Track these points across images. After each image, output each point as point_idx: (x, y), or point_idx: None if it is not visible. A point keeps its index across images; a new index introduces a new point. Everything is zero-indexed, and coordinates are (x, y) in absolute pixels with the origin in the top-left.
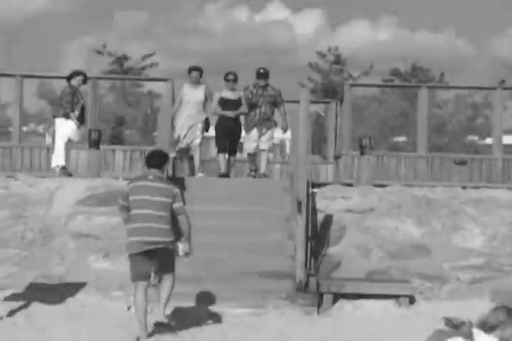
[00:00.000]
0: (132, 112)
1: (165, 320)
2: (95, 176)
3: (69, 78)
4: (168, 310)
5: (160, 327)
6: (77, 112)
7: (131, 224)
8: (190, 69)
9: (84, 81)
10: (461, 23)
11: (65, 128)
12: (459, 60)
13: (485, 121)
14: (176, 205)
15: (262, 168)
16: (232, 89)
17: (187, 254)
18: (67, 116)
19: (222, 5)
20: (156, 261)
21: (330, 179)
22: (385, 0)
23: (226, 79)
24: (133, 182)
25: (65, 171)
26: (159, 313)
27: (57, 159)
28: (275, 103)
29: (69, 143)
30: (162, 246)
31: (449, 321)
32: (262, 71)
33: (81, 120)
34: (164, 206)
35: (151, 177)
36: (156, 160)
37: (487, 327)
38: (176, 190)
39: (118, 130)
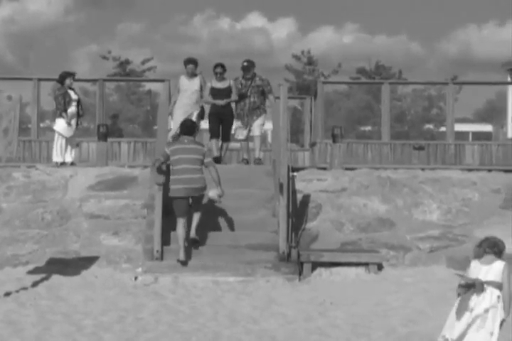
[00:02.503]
0: (134, 109)
1: (196, 237)
2: (104, 165)
3: (61, 80)
4: (170, 278)
5: (194, 242)
6: (70, 109)
7: (174, 176)
8: (186, 62)
9: (73, 79)
10: (412, 29)
11: (59, 126)
12: (411, 60)
13: (439, 111)
14: (207, 160)
15: (256, 153)
16: (221, 80)
17: (219, 196)
18: (60, 116)
19: (207, 15)
20: (193, 202)
21: (307, 164)
22: (348, 9)
23: (214, 72)
24: (172, 146)
25: (64, 166)
26: (192, 233)
27: (54, 157)
28: (264, 92)
29: (62, 139)
30: (197, 193)
31: (465, 282)
32: (244, 64)
33: (78, 114)
34: (197, 161)
35: (185, 141)
36: (188, 129)
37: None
38: (205, 150)
39: (115, 125)
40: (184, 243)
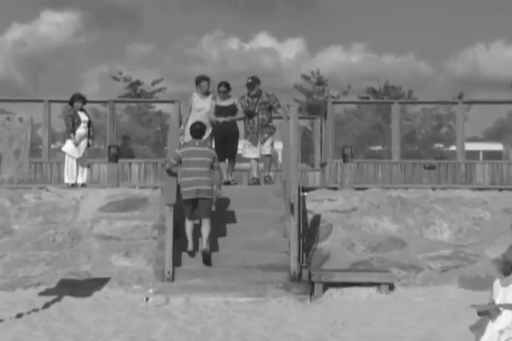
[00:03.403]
0: (145, 130)
1: (207, 249)
2: (115, 186)
3: (71, 102)
4: (182, 299)
5: (205, 254)
6: (79, 130)
7: (184, 178)
8: (200, 80)
9: (84, 103)
10: (420, 48)
11: (67, 147)
12: (419, 79)
13: (449, 130)
14: (215, 164)
15: (266, 172)
16: (225, 98)
17: (218, 196)
18: (69, 137)
19: (216, 36)
20: (198, 206)
21: (317, 184)
22: (356, 29)
23: (218, 91)
24: (184, 148)
25: (75, 187)
26: (203, 245)
27: (65, 178)
28: (272, 108)
29: (72, 160)
30: (202, 195)
31: (482, 310)
32: (249, 81)
33: (88, 135)
34: (206, 164)
35: (197, 143)
36: (197, 132)
37: (509, 267)
38: (214, 153)
39: (125, 146)
40: (191, 236)
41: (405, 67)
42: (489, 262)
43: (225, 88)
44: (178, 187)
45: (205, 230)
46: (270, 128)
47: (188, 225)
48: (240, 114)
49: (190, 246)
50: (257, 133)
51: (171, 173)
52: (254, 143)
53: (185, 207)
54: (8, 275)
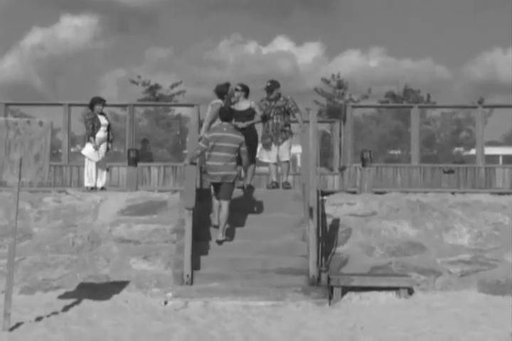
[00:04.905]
0: (164, 133)
1: (223, 238)
2: (134, 189)
3: (91, 105)
4: (200, 303)
5: (220, 244)
6: (99, 134)
7: (210, 162)
8: (226, 88)
9: (104, 106)
10: (437, 52)
11: (87, 151)
12: (437, 83)
13: (468, 134)
14: (243, 149)
15: (284, 177)
16: (242, 101)
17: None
18: (88, 140)
19: (234, 40)
20: (221, 188)
21: (336, 188)
22: (374, 33)
23: (235, 89)
24: (213, 133)
25: (94, 190)
26: (219, 236)
27: (85, 181)
28: (288, 112)
29: (92, 164)
30: (224, 179)
31: None
32: (268, 84)
33: (108, 138)
34: (233, 150)
35: (225, 129)
36: (227, 114)
37: None
38: (242, 139)
39: (145, 149)
40: (217, 213)
41: (423, 71)
42: (509, 267)
43: (241, 88)
44: (201, 171)
45: (223, 214)
46: (286, 133)
47: (215, 205)
48: (258, 117)
49: (214, 221)
50: (271, 138)
51: (193, 163)
52: (270, 147)
53: (214, 189)
54: (27, 279)
